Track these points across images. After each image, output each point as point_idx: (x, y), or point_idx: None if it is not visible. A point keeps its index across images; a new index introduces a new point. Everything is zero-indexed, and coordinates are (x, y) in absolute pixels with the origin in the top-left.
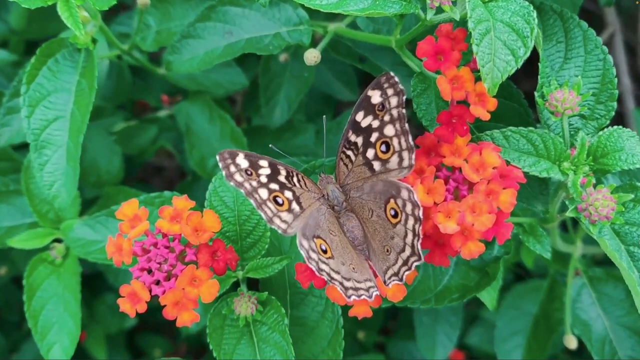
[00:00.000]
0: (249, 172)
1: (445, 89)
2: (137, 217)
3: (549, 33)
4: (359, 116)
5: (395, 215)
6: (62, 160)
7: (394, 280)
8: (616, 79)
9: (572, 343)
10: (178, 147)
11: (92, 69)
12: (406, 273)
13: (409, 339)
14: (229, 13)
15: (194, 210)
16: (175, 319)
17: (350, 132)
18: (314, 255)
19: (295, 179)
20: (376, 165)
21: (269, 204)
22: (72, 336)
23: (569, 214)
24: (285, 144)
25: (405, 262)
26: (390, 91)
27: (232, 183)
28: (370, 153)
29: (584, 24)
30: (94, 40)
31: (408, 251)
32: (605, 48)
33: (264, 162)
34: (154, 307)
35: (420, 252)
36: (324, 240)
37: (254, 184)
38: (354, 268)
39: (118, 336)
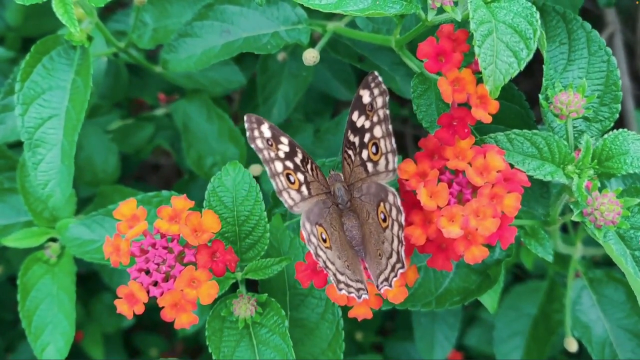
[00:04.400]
0: (270, 143)
1: (446, 91)
2: (135, 217)
3: (552, 34)
4: (355, 116)
5: (385, 220)
6: (57, 159)
7: (384, 285)
8: (620, 81)
9: (572, 346)
10: (174, 145)
11: (87, 67)
12: (394, 280)
13: (407, 339)
14: (226, 11)
15: (192, 210)
16: (173, 321)
17: (349, 132)
18: (314, 240)
19: (309, 166)
20: (369, 166)
21: (281, 177)
22: (67, 336)
23: (574, 218)
24: None
25: (392, 268)
26: (376, 91)
27: (252, 145)
28: (364, 154)
29: (588, 25)
30: (89, 38)
31: (394, 258)
32: (609, 49)
33: (284, 139)
34: (152, 306)
35: (404, 259)
36: (325, 230)
37: (272, 154)
38: (348, 266)
39: (115, 335)
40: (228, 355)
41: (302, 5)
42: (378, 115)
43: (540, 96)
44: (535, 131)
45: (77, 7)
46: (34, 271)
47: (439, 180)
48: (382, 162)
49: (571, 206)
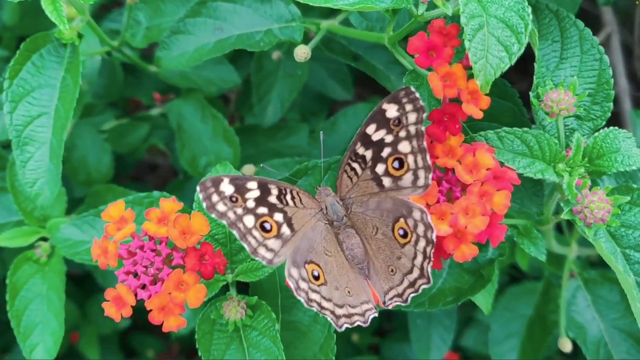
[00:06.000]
0: (234, 199)
1: (436, 86)
2: (124, 219)
3: (544, 32)
4: (370, 129)
5: (405, 236)
6: (46, 158)
7: (395, 301)
8: (612, 80)
9: (566, 346)
10: (170, 145)
11: (77, 65)
12: (412, 295)
13: (403, 340)
14: (219, 9)
15: (182, 212)
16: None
17: (359, 145)
18: (303, 285)
19: (288, 197)
20: (386, 181)
21: (254, 232)
22: (56, 336)
23: (564, 216)
24: (278, 143)
25: (412, 284)
26: (409, 107)
27: (213, 215)
28: (380, 168)
29: (580, 24)
30: (79, 35)
31: (416, 273)
32: (601, 48)
33: (252, 184)
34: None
35: (430, 275)
36: (317, 265)
37: (239, 211)
38: (349, 291)
39: (111, 336)
40: (218, 358)
41: (295, 3)
42: (407, 131)
43: (531, 94)
44: (525, 129)
45: (70, 6)
46: (24, 270)
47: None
48: (408, 177)
49: (562, 204)
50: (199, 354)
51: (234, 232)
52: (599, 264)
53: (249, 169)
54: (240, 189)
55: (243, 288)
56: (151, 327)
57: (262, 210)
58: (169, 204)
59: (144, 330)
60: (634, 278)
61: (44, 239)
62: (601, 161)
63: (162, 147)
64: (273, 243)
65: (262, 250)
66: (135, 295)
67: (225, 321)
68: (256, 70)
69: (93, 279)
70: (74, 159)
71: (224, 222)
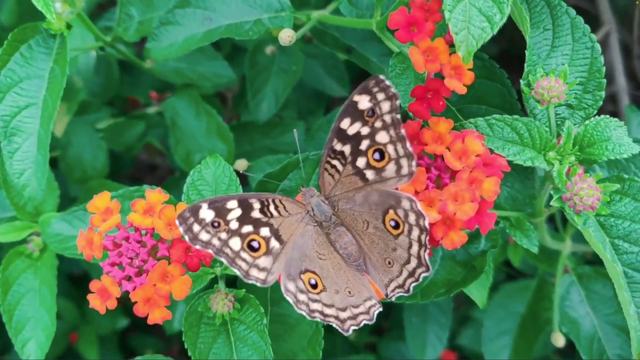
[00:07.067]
0: (216, 224)
1: (417, 60)
2: (109, 210)
3: (536, 20)
4: (345, 123)
5: (397, 227)
6: (33, 148)
7: (398, 292)
8: (604, 68)
9: (559, 341)
10: (167, 144)
11: (65, 56)
12: (413, 284)
13: (400, 339)
14: None
15: (169, 203)
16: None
17: (335, 141)
18: (302, 298)
19: (272, 207)
20: (369, 174)
21: (242, 254)
22: (48, 331)
23: (554, 203)
24: (274, 140)
25: (411, 274)
26: (380, 96)
27: (198, 246)
28: (361, 162)
29: (572, 12)
30: (68, 26)
31: (414, 262)
32: (593, 36)
33: (232, 203)
34: None
35: (429, 263)
36: (313, 272)
37: (223, 235)
38: (350, 292)
39: (110, 337)
40: (204, 351)
41: None
42: (383, 121)
43: (522, 82)
44: (516, 116)
45: (65, 4)
46: (16, 265)
47: (417, 164)
48: (391, 167)
49: (552, 193)
50: (186, 346)
51: (222, 259)
52: (595, 261)
53: (241, 163)
54: (221, 212)
55: (232, 282)
56: (151, 328)
57: (247, 228)
58: (155, 195)
59: (143, 331)
60: (621, 268)
61: (37, 234)
62: (592, 149)
63: (158, 146)
64: (264, 261)
65: (254, 272)
66: (120, 287)
67: (212, 314)
68: (250, 65)
69: (92, 278)
70: (69, 156)
71: (210, 251)
